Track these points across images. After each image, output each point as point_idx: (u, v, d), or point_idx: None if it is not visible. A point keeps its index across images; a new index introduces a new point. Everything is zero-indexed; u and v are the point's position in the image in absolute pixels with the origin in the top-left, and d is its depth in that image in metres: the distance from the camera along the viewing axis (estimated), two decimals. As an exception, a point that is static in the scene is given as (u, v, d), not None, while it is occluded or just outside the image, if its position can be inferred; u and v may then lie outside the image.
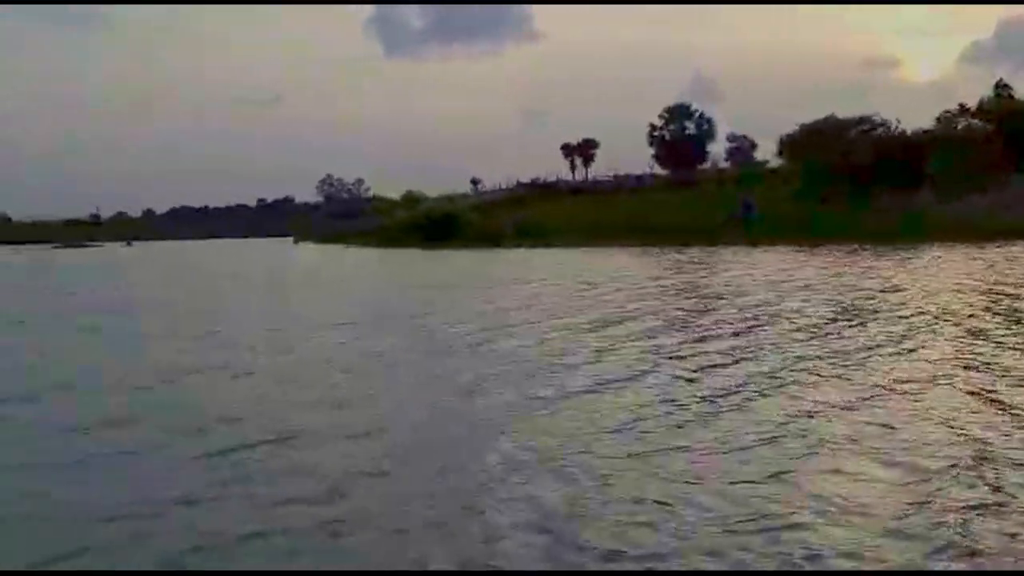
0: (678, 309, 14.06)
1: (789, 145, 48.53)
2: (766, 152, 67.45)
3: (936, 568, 3.71)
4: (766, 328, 11.20)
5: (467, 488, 5.04)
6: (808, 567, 3.77)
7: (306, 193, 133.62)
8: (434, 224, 55.25)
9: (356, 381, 8.83)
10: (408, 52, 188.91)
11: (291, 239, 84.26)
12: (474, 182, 79.28)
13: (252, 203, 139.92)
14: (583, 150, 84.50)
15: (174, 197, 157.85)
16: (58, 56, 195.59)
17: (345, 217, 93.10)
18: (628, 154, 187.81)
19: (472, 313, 14.41)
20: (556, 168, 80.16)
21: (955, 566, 3.72)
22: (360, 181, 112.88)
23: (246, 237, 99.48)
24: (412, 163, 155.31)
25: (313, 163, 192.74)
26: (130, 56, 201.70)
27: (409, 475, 5.42)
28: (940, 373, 7.78)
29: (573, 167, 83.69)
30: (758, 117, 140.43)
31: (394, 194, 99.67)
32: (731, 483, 4.89)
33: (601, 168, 78.59)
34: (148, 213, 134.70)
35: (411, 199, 71.86)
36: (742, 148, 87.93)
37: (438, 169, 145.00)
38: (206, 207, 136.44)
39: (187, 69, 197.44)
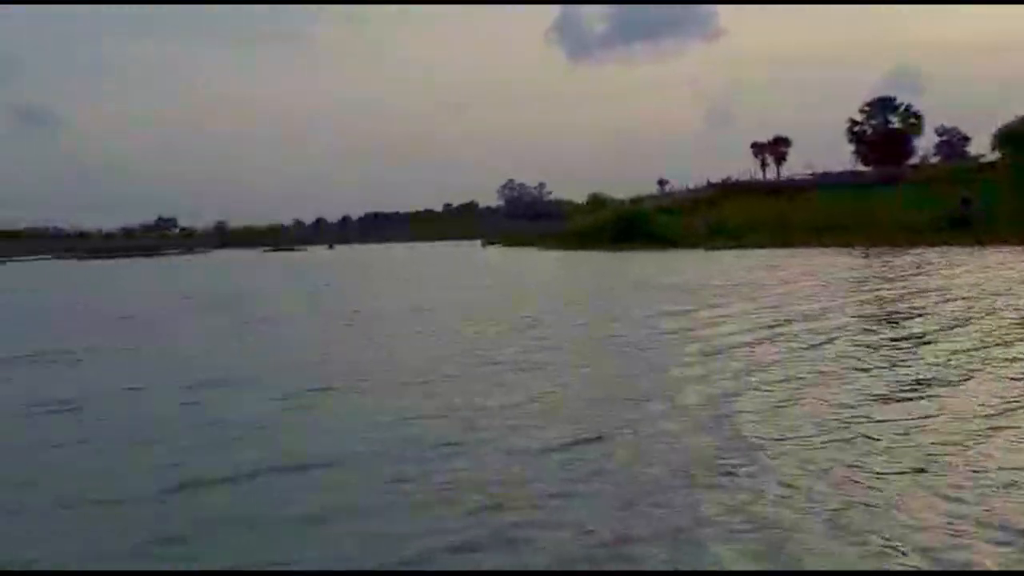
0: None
1: (1008, 137, 44.18)
2: (979, 146, 62.11)
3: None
4: None
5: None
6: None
7: (489, 197, 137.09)
8: (622, 226, 54.87)
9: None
10: (591, 56, 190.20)
11: (478, 243, 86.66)
12: (661, 183, 78.15)
13: (439, 208, 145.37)
14: (774, 148, 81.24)
15: (367, 203, 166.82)
16: (269, 74, 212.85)
17: (528, 220, 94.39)
18: (823, 151, 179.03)
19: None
20: (746, 168, 77.62)
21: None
22: (542, 185, 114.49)
23: (433, 241, 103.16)
24: (595, 166, 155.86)
25: (496, 168, 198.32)
26: (323, 71, 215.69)
27: None
28: None
29: (764, 165, 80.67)
30: (964, 110, 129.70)
31: (576, 197, 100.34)
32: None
33: (795, 166, 75.13)
34: (345, 219, 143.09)
35: (597, 201, 71.83)
36: (952, 142, 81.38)
37: (622, 171, 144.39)
38: (396, 212, 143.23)
39: (375, 80, 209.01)
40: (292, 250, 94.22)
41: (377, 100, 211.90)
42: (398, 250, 78.34)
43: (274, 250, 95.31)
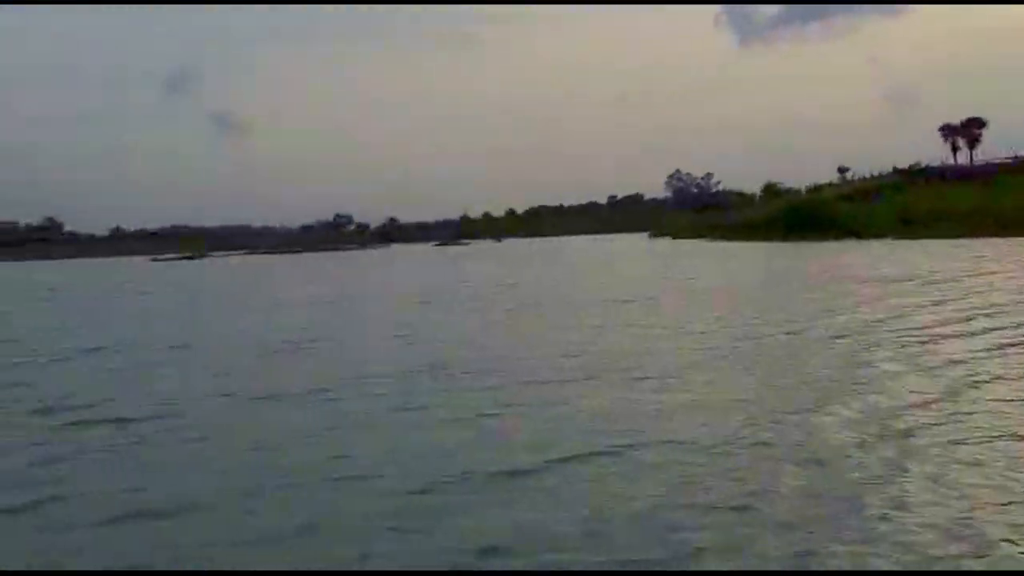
0: None
1: None
2: None
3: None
4: None
5: None
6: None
7: (654, 189, 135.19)
8: (799, 216, 52.78)
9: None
10: (761, 39, 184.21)
11: (643, 235, 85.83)
12: (841, 170, 74.05)
13: (603, 200, 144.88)
14: (967, 130, 75.15)
15: (530, 198, 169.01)
16: (433, 74, 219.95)
17: (695, 211, 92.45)
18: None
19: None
20: (934, 152, 72.45)
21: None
22: (709, 175, 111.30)
23: (598, 234, 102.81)
24: (765, 154, 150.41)
25: (661, 158, 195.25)
26: (486, 69, 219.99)
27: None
28: None
29: (955, 149, 74.80)
30: None
31: (746, 187, 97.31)
32: None
33: (991, 150, 69.26)
34: (510, 213, 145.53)
35: (772, 191, 69.47)
36: None
37: (797, 159, 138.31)
38: (561, 206, 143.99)
39: (537, 76, 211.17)
40: (461, 244, 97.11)
41: (539, 95, 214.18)
42: (574, 243, 78.26)
43: (444, 244, 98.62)
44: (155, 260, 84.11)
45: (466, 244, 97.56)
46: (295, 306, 21.21)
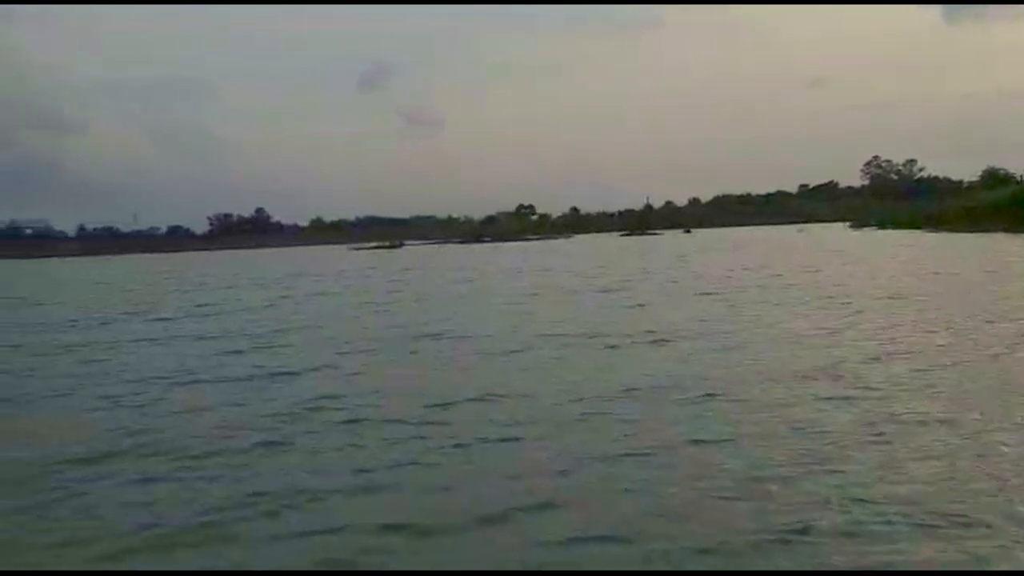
0: None
1: None
2: None
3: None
4: None
5: None
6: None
7: (850, 176, 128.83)
8: (1033, 204, 48.90)
9: None
10: (972, 15, 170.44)
11: (842, 225, 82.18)
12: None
13: (793, 189, 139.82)
14: None
15: (715, 186, 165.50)
16: (617, 61, 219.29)
17: (894, 200, 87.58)
18: None
19: None
20: None
21: None
22: (912, 161, 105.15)
23: (787, 224, 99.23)
24: (981, 137, 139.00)
25: (855, 144, 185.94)
26: (673, 54, 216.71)
27: None
28: None
29: None
30: None
31: (953, 173, 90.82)
32: None
33: None
34: (693, 202, 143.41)
35: (995, 178, 64.58)
36: None
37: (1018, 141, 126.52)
38: (748, 194, 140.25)
39: (728, 62, 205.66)
40: (648, 234, 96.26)
41: (730, 81, 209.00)
42: (783, 232, 74.79)
43: (630, 234, 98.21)
44: (355, 249, 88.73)
45: (655, 234, 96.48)
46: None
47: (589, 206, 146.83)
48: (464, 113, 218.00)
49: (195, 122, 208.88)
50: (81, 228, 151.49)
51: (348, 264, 51.39)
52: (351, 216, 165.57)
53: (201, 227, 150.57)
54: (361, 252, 78.81)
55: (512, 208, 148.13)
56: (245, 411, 8.22)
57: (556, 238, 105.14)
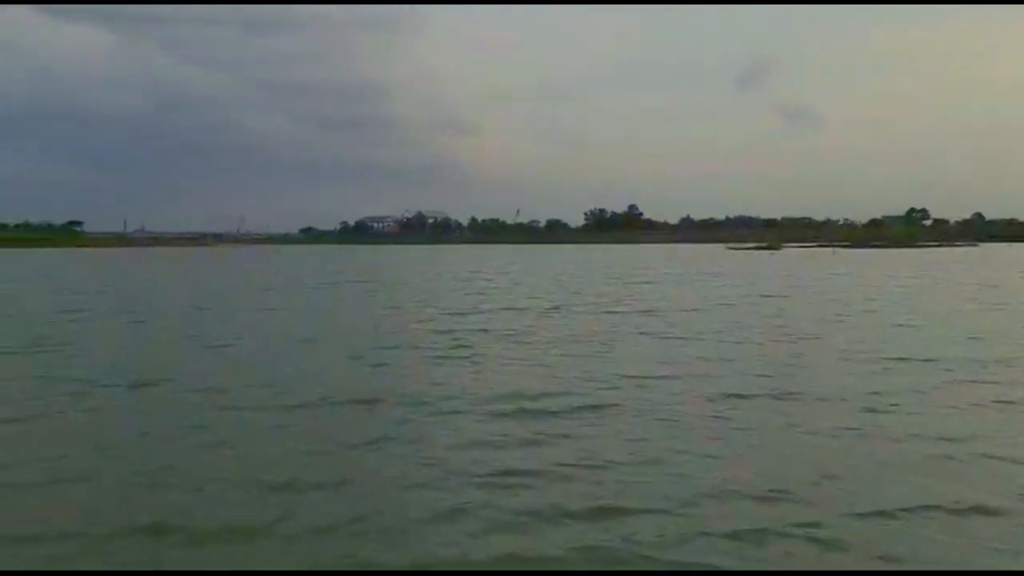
0: None
1: None
2: None
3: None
4: None
5: None
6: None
7: None
8: None
9: None
10: None
11: None
12: None
13: None
14: None
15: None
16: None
17: None
18: None
19: None
20: None
21: None
22: None
23: None
24: None
25: None
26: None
27: None
28: None
29: None
30: None
31: None
32: None
33: None
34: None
35: None
36: None
37: None
38: None
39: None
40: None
41: None
42: None
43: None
44: (731, 248, 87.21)
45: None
46: None
47: (993, 212, 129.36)
48: (847, 109, 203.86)
49: (573, 124, 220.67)
50: (472, 219, 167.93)
51: (753, 264, 49.93)
52: (720, 215, 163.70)
53: (576, 221, 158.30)
54: (738, 252, 77.15)
55: (898, 212, 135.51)
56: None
57: (959, 246, 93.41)
